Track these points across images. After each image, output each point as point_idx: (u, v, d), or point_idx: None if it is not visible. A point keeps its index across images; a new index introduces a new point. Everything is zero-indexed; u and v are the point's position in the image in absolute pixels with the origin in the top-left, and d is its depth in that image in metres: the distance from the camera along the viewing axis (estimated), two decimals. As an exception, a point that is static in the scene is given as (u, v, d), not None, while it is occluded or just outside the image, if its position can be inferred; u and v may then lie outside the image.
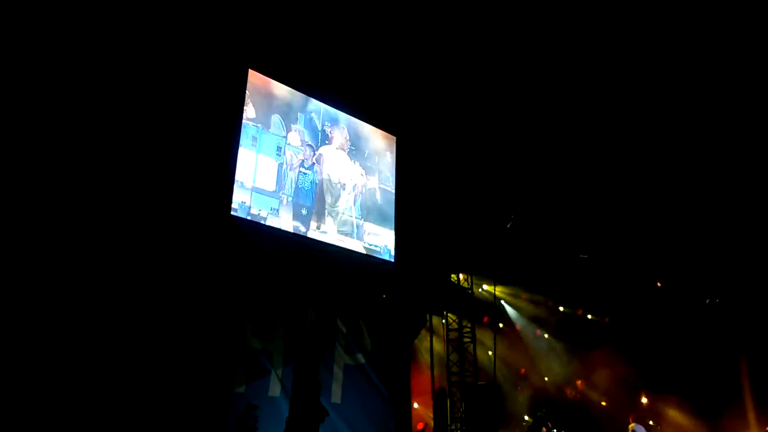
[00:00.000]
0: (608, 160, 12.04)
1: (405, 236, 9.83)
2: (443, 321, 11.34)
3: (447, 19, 9.11)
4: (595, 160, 12.02)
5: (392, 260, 9.41)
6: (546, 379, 15.26)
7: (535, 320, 15.99)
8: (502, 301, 15.13)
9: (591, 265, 14.05)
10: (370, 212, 9.36)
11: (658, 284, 14.77)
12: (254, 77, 8.20)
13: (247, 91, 7.98)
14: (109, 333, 6.11)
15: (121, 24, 6.98)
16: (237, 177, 7.54)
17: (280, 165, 8.19)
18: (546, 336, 16.09)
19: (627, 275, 14.85)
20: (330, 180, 8.89)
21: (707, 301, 15.94)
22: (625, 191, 12.79)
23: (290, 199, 8.19)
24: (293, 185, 8.30)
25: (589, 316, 16.95)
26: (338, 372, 8.17)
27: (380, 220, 9.49)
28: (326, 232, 8.56)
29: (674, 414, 15.44)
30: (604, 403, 15.51)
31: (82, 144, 6.49)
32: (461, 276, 11.50)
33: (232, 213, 7.40)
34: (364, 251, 9.03)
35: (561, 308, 16.35)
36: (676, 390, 15.30)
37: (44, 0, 6.43)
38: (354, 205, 9.17)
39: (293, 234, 8.09)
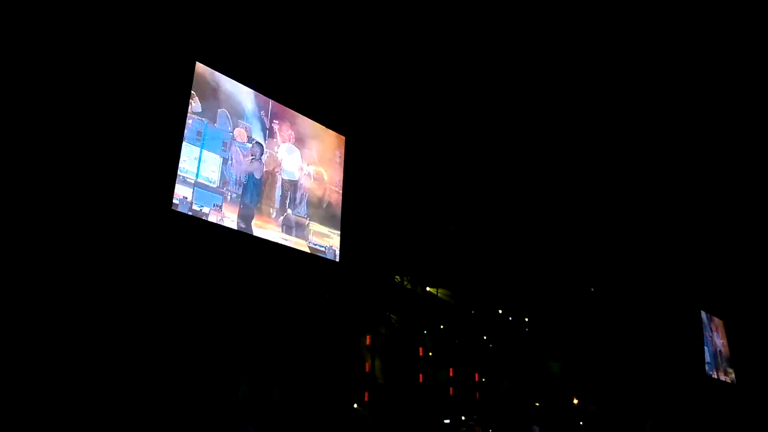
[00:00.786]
0: (546, 167, 12.45)
1: (350, 237, 9.87)
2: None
3: (398, 16, 9.20)
4: (533, 166, 12.40)
5: (337, 260, 9.45)
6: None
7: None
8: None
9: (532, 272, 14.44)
10: (316, 212, 9.36)
11: (592, 289, 15.39)
12: (201, 70, 8.05)
13: (193, 85, 7.83)
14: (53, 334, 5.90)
15: (68, 12, 6.72)
16: (179, 172, 7.39)
17: (225, 160, 8.07)
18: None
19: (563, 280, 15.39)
20: (276, 178, 8.83)
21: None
22: (564, 194, 13.26)
23: (234, 195, 8.09)
24: (238, 182, 8.20)
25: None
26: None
27: (326, 220, 9.50)
28: (270, 230, 8.50)
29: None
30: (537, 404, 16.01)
31: (22, 135, 6.23)
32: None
33: (173, 208, 7.25)
34: (308, 251, 9.02)
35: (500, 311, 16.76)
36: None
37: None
38: (300, 203, 9.14)
39: (235, 231, 7.99)
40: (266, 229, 8.43)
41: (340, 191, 9.89)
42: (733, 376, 19.22)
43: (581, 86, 10.57)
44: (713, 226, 15.12)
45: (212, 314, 7.60)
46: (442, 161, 11.87)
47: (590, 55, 9.86)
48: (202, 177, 7.67)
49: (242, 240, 8.11)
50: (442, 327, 13.02)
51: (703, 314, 18.46)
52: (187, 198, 7.43)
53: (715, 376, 18.15)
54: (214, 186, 7.83)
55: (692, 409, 15.92)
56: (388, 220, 10.86)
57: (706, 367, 17.59)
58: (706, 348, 17.87)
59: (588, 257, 14.68)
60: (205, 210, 7.63)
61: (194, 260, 7.51)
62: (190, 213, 7.43)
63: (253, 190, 8.41)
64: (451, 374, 12.98)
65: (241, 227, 8.07)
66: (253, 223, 8.27)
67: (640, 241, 14.32)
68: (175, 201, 7.26)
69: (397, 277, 11.38)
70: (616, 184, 12.95)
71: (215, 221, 7.74)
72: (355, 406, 11.04)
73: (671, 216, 14.01)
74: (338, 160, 10.05)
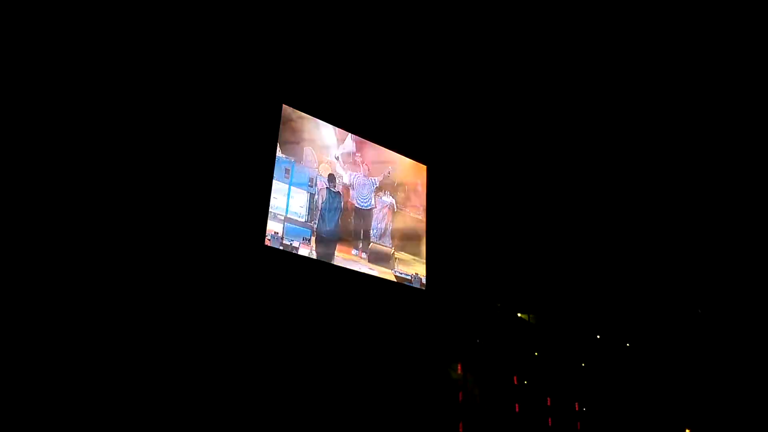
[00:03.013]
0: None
1: (435, 265, 9.89)
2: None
3: (480, 55, 9.32)
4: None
5: (423, 288, 9.50)
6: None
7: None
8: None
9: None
10: (401, 241, 9.49)
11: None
12: (287, 111, 8.52)
13: (280, 125, 8.30)
14: (144, 359, 6.36)
15: (167, 58, 7.41)
16: (270, 209, 7.81)
17: (312, 196, 8.43)
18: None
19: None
20: (361, 210, 9.08)
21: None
22: (663, 209, 12.58)
23: (321, 228, 8.40)
24: (325, 215, 8.52)
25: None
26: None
27: (411, 248, 9.60)
28: (356, 261, 8.71)
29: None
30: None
31: (134, 172, 6.87)
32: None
33: (266, 243, 7.64)
34: (395, 279, 9.14)
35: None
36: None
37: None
38: (384, 234, 9.32)
39: (325, 263, 8.26)
40: (353, 260, 8.65)
41: (424, 219, 9.98)
42: None
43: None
44: None
45: (304, 346, 7.86)
46: (520, 185, 11.69)
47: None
48: (291, 212, 8.05)
49: (331, 271, 8.36)
50: (536, 354, 12.63)
51: None
52: (278, 233, 7.82)
53: None
54: (302, 221, 8.19)
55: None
56: (473, 246, 10.79)
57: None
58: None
59: (693, 275, 13.75)
60: (295, 244, 7.98)
61: (287, 292, 7.84)
62: (281, 247, 7.80)
63: (338, 223, 8.69)
64: (549, 403, 12.50)
65: (329, 259, 8.34)
66: (340, 254, 8.52)
67: (740, 260, 13.22)
68: (267, 237, 7.66)
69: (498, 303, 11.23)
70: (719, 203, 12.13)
71: (305, 254, 8.06)
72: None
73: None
74: (420, 188, 10.17)
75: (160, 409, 6.27)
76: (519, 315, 12.87)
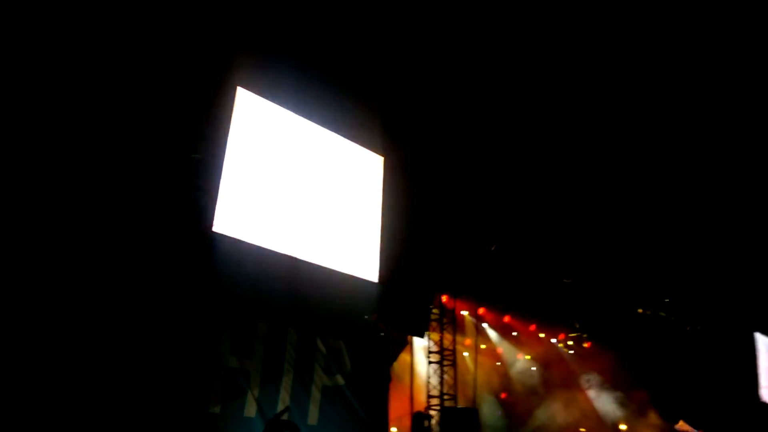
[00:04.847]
0: (592, 185, 12.17)
1: (390, 257, 9.83)
2: (425, 343, 11.31)
3: (435, 41, 9.21)
4: (584, 177, 12.11)
5: (376, 281, 9.41)
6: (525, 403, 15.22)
7: (521, 345, 16.03)
8: (485, 324, 15.14)
9: (574, 289, 14.10)
10: (354, 233, 9.35)
11: (639, 310, 14.91)
12: (243, 95, 8.20)
13: (235, 109, 7.97)
14: (79, 346, 6.00)
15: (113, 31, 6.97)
16: (221, 194, 7.50)
17: (265, 182, 8.16)
18: (528, 359, 16.12)
19: (608, 299, 14.95)
20: (315, 199, 8.88)
21: (688, 328, 16.05)
22: (608, 215, 12.91)
23: (274, 217, 8.15)
24: (278, 203, 8.28)
25: (570, 343, 17.00)
26: (316, 393, 8.07)
27: (365, 240, 9.48)
28: (310, 252, 8.52)
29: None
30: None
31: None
32: (444, 298, 11.51)
33: (215, 230, 7.34)
34: (347, 272, 9.00)
35: (541, 335, 16.39)
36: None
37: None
38: (338, 225, 9.15)
39: (276, 252, 8.04)
40: (305, 251, 8.46)
41: (379, 211, 9.86)
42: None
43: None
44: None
45: (250, 335, 7.62)
46: (474, 180, 11.73)
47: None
48: (242, 199, 7.78)
49: (282, 261, 8.15)
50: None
51: (758, 336, 17.63)
52: (228, 220, 7.52)
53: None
54: (254, 208, 7.92)
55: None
56: (426, 240, 10.76)
57: (762, 392, 16.77)
58: (761, 371, 17.05)
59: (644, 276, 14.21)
60: (246, 231, 7.71)
61: (235, 282, 7.57)
62: (231, 235, 7.51)
63: (293, 212, 8.47)
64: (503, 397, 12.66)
65: (281, 249, 8.12)
66: (293, 244, 8.31)
67: (693, 258, 13.77)
68: (216, 222, 7.36)
69: (436, 297, 11.22)
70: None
71: (256, 243, 7.80)
72: (394, 430, 10.88)
73: (727, 236, 13.45)
74: (376, 180, 10.04)
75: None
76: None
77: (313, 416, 7.92)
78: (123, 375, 6.19)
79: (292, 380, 7.85)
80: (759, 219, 13.01)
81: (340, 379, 8.50)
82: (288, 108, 8.84)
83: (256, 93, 8.39)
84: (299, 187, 8.72)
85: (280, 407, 7.46)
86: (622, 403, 15.90)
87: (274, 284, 8.04)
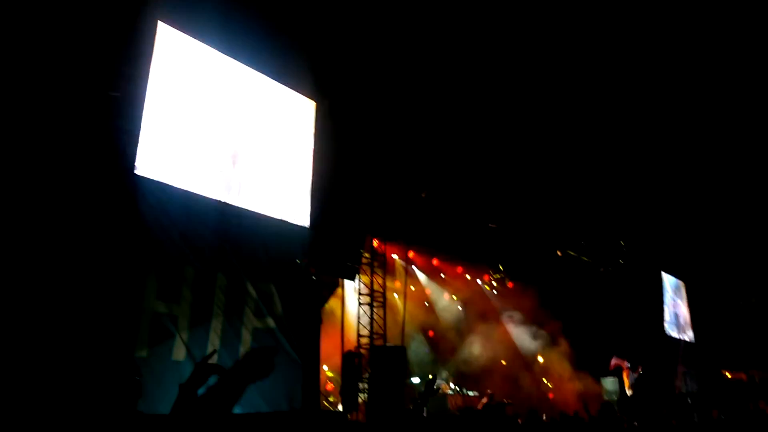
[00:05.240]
0: (520, 128, 12.52)
1: (320, 201, 9.86)
2: (355, 285, 11.57)
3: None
4: (508, 127, 12.44)
5: (307, 225, 9.46)
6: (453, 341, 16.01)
7: (448, 286, 16.68)
8: (414, 267, 15.59)
9: (498, 233, 14.68)
10: (285, 177, 9.29)
11: (558, 252, 15.79)
12: (164, 30, 7.77)
13: (156, 46, 7.57)
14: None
15: None
16: (143, 135, 7.20)
17: (190, 125, 7.90)
18: (455, 300, 16.84)
19: (530, 242, 15.71)
20: (244, 143, 8.70)
21: (602, 270, 17.14)
22: (536, 160, 13.40)
23: (201, 160, 7.96)
24: (205, 146, 8.06)
25: (494, 283, 17.82)
26: (247, 336, 8.16)
27: (296, 185, 9.44)
28: (239, 196, 8.42)
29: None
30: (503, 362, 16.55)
31: None
32: (375, 241, 11.74)
33: (137, 172, 7.10)
34: (277, 216, 8.99)
35: (468, 276, 17.09)
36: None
37: None
38: (269, 169, 9.05)
39: (203, 197, 7.90)
40: (234, 195, 8.35)
41: (310, 156, 9.80)
42: (691, 334, 20.06)
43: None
44: (675, 190, 15.51)
45: (178, 279, 7.54)
46: (406, 124, 11.80)
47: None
48: (167, 141, 7.51)
49: (209, 205, 8.02)
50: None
51: (664, 276, 19.12)
52: (152, 162, 7.27)
53: (675, 335, 18.94)
54: (180, 150, 7.68)
55: (652, 365, 16.63)
56: (357, 184, 10.83)
57: (666, 326, 18.34)
58: (665, 308, 18.60)
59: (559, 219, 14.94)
60: (172, 174, 7.50)
61: (160, 226, 7.40)
62: (155, 178, 7.29)
63: (221, 155, 8.29)
64: (432, 334, 13.20)
65: (209, 192, 7.97)
66: (222, 188, 8.18)
67: (607, 204, 14.60)
68: (138, 165, 7.10)
69: (366, 241, 11.40)
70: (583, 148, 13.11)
71: (182, 186, 7.62)
72: (325, 368, 11.21)
73: (633, 179, 14.28)
74: (308, 124, 9.92)
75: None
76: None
77: (243, 358, 8.03)
78: (44, 320, 6.02)
79: (222, 323, 7.88)
80: (664, 167, 13.88)
81: (270, 322, 8.62)
82: (214, 47, 8.48)
83: (178, 29, 7.97)
84: (227, 129, 8.50)
85: (210, 351, 7.52)
86: (539, 337, 17.07)
87: (201, 229, 7.92)
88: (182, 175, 7.67)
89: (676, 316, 19.82)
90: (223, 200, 8.16)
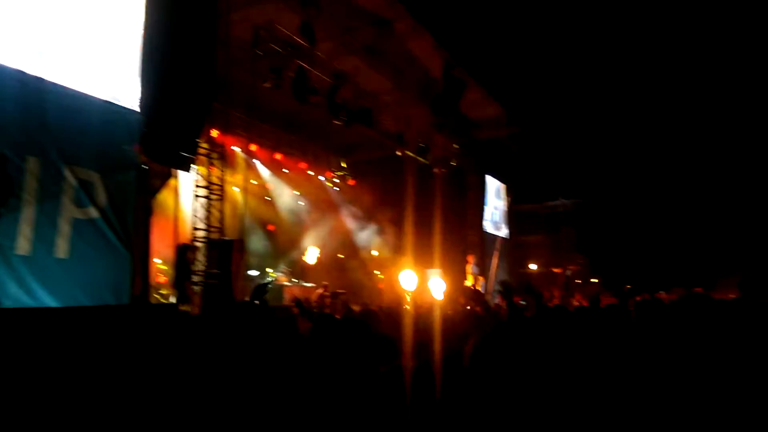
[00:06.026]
0: None
1: (153, 83, 8.95)
2: (192, 177, 11.00)
3: None
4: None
5: (137, 109, 8.61)
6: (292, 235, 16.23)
7: (290, 181, 16.60)
8: (256, 161, 15.21)
9: (342, 130, 14.70)
10: (113, 54, 8.24)
11: (398, 152, 16.39)
12: None
13: None
14: None
15: None
16: None
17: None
18: (296, 195, 16.90)
19: (371, 141, 16.05)
20: (66, 16, 7.49)
21: (436, 171, 18.17)
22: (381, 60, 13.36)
23: (16, 31, 6.75)
24: (19, 16, 6.82)
25: (336, 180, 18.11)
26: (64, 226, 7.46)
27: (125, 63, 8.44)
28: (53, 71, 7.35)
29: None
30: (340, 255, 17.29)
31: None
32: (214, 132, 11.09)
33: None
34: (101, 96, 8.04)
35: (311, 172, 17.16)
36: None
37: None
38: (94, 45, 7.95)
39: (7, 68, 6.79)
40: (54, 71, 7.28)
41: (141, 31, 8.71)
42: (506, 231, 22.53)
43: None
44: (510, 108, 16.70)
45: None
46: None
47: None
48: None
49: (24, 81, 6.91)
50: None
51: (488, 178, 20.97)
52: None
53: (492, 231, 21.17)
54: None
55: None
56: (194, 66, 9.95)
57: (485, 224, 20.40)
58: (486, 207, 20.60)
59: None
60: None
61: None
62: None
63: (40, 27, 7.09)
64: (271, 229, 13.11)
65: (23, 67, 6.84)
66: (40, 63, 7.06)
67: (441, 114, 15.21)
68: None
69: (205, 130, 10.70)
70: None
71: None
72: (158, 261, 10.78)
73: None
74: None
75: None
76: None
77: (61, 250, 7.39)
78: None
79: (35, 213, 7.12)
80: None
81: (93, 212, 7.94)
82: None
83: None
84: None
85: (21, 241, 6.84)
86: (375, 233, 18.04)
87: (5, 105, 6.88)
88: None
89: (496, 214, 22.12)
90: (33, 73, 7.07)
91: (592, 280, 19.93)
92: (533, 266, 22.82)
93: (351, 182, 18.49)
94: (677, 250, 19.55)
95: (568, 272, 20.13)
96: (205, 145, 10.64)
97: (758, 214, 18.57)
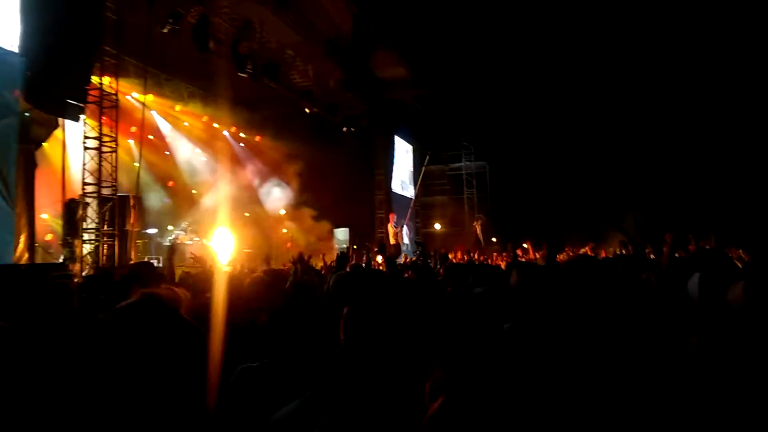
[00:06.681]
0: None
1: (36, 23, 8.13)
2: (81, 128, 10.20)
3: None
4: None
5: (19, 52, 7.83)
6: (194, 192, 15.59)
7: (190, 135, 15.83)
8: (153, 112, 14.37)
9: (249, 84, 14.16)
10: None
11: (307, 110, 16.06)
12: None
13: None
14: None
15: None
16: None
17: None
18: (199, 151, 16.18)
19: (280, 98, 15.62)
20: None
21: (345, 130, 18.07)
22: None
23: None
24: None
25: (242, 135, 17.57)
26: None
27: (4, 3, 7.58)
28: None
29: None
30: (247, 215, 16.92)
31: None
32: (106, 78, 10.27)
33: None
34: None
35: (216, 125, 16.49)
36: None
37: None
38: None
39: None
40: None
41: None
42: (413, 191, 22.99)
43: None
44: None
45: None
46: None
47: None
48: None
49: None
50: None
51: (396, 139, 21.18)
52: None
53: (399, 192, 21.53)
54: None
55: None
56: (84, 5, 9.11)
57: (391, 183, 20.70)
58: (393, 168, 20.88)
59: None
60: None
61: None
62: None
63: None
64: (170, 185, 12.47)
65: None
66: None
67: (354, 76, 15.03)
68: None
69: (95, 77, 9.91)
70: None
71: None
72: (45, 216, 10.03)
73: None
74: None
75: None
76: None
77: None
78: None
79: None
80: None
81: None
82: None
83: None
84: None
85: None
86: (282, 190, 17.74)
87: None
88: None
89: (404, 175, 22.46)
90: None
91: (493, 239, 20.76)
92: (437, 226, 23.52)
93: (257, 138, 17.98)
94: (571, 212, 20.64)
95: (477, 227, 20.29)
96: (95, 93, 9.87)
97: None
